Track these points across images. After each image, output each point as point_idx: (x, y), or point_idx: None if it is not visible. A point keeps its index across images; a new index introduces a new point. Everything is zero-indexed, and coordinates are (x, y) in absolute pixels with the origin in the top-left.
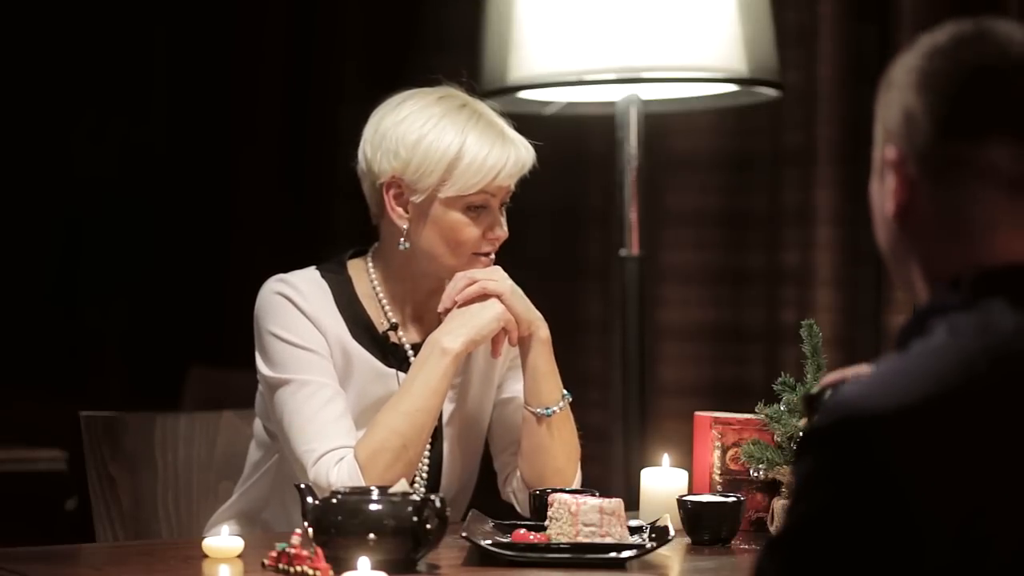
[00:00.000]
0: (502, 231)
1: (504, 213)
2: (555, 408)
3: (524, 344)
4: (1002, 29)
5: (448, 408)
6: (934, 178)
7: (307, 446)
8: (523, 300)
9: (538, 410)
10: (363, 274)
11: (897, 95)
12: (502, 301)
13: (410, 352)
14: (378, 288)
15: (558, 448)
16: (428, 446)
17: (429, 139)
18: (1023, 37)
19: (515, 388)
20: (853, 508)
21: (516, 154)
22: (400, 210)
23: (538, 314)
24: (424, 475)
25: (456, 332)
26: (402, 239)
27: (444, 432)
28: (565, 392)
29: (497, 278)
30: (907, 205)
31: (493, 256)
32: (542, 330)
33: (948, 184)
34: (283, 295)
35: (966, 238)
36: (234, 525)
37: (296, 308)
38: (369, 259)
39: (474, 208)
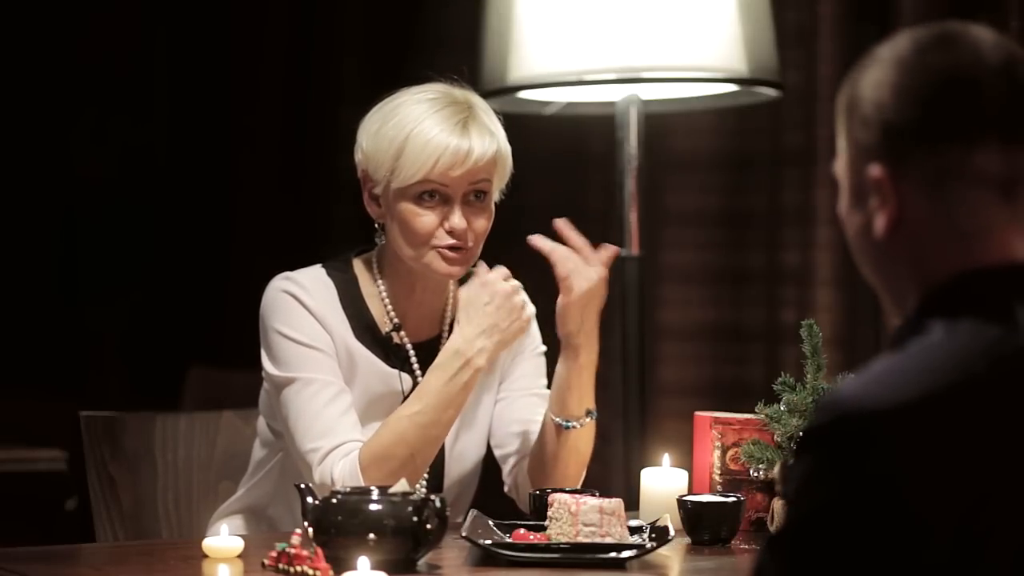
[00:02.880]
0: (459, 223)
1: (483, 207)
2: (575, 424)
3: (569, 351)
4: (971, 33)
5: None
6: (924, 189)
7: (312, 444)
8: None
9: (557, 420)
10: (368, 273)
11: (871, 111)
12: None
13: (412, 352)
14: (382, 287)
15: (571, 459)
16: None
17: (384, 128)
18: (992, 38)
19: (517, 381)
20: (852, 505)
21: (464, 144)
22: (373, 204)
23: (590, 332)
24: (425, 476)
25: (484, 347)
26: (377, 232)
27: None
28: (592, 410)
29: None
30: (898, 219)
31: (467, 253)
32: (590, 350)
33: (939, 193)
34: (289, 293)
35: (962, 243)
36: (239, 520)
37: (302, 306)
38: (374, 257)
39: (427, 197)
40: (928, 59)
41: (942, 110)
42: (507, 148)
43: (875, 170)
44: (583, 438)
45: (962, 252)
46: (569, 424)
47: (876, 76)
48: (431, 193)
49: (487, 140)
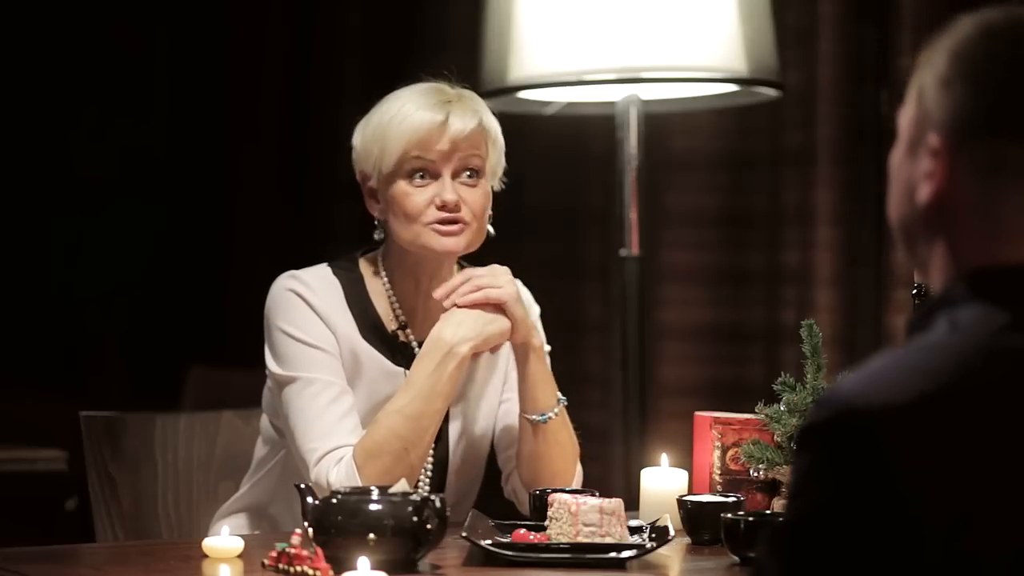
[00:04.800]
0: (450, 195)
1: (475, 184)
2: (550, 414)
3: (519, 352)
4: None
5: (453, 409)
6: (976, 175)
7: (310, 445)
8: (522, 307)
9: (534, 417)
10: (374, 271)
11: (946, 85)
12: (506, 307)
13: (417, 351)
14: (388, 285)
15: (555, 453)
16: (432, 447)
17: (371, 122)
18: None
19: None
20: (850, 503)
21: (439, 116)
22: (373, 201)
23: (532, 323)
24: (428, 476)
25: (465, 336)
26: (376, 228)
27: (449, 432)
28: (561, 397)
29: (502, 284)
30: (943, 195)
31: (464, 227)
32: (536, 338)
33: (990, 183)
34: (294, 291)
35: (997, 237)
36: (241, 519)
37: (307, 305)
38: (379, 256)
39: (417, 178)
40: (1015, 48)
41: (1014, 106)
42: (495, 126)
43: (934, 140)
44: (562, 428)
45: (992, 247)
46: (545, 417)
47: (960, 49)
48: (420, 172)
49: (468, 116)
